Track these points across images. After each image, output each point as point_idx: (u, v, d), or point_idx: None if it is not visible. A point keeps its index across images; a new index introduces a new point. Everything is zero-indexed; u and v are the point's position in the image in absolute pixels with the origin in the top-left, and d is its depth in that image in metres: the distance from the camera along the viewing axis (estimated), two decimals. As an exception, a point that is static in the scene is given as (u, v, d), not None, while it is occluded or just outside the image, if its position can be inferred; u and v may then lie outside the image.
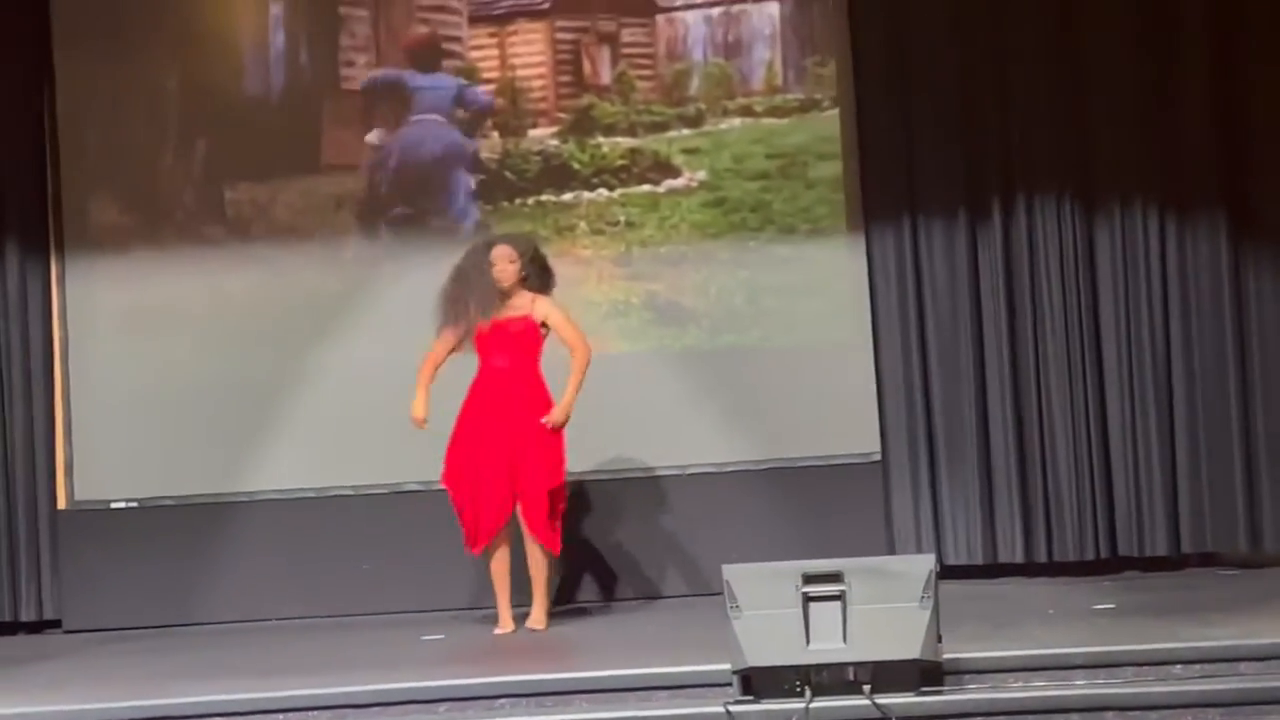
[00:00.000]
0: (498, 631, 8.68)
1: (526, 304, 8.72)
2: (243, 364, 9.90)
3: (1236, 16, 9.46)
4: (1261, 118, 9.38)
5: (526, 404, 8.64)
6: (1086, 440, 9.54)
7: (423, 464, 9.73)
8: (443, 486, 8.71)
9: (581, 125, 9.96)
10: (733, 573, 6.93)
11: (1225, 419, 9.47)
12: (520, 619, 8.71)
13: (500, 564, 8.70)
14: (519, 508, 8.58)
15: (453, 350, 8.78)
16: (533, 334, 8.69)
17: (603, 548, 8.89)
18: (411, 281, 9.80)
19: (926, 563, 6.92)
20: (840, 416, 9.73)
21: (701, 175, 9.74)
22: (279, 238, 9.92)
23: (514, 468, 8.57)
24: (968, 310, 9.64)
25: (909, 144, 9.68)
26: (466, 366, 8.71)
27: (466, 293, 8.73)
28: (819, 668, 6.83)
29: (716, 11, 9.93)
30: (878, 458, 9.71)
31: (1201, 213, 9.52)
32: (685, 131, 9.92)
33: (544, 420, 8.56)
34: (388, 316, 9.91)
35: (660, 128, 9.93)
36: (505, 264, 8.70)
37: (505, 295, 8.70)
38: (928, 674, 6.85)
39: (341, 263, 9.97)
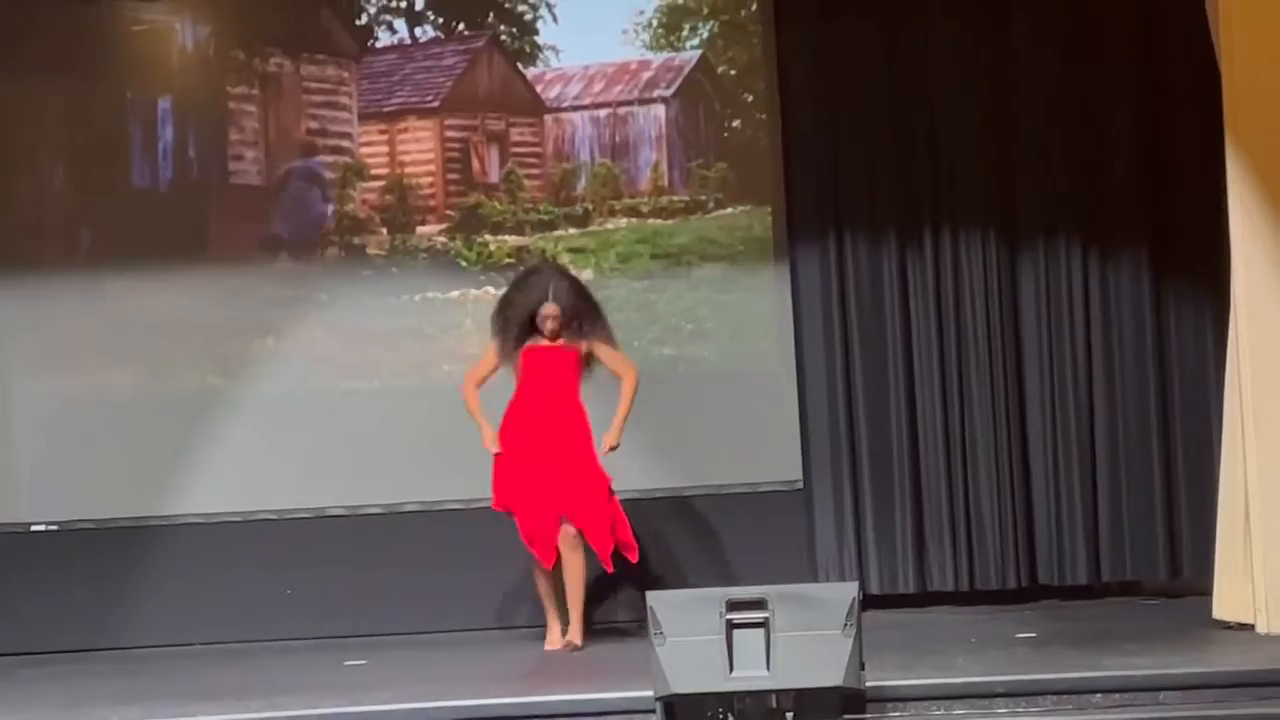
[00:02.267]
0: (547, 647, 8.71)
1: (576, 340, 8.85)
2: (166, 387, 9.85)
3: (1162, 52, 9.54)
4: (1184, 153, 9.45)
5: (566, 428, 8.71)
6: (1009, 470, 9.59)
7: (345, 489, 9.75)
8: (496, 510, 8.74)
9: (469, 223, 9.95)
10: (656, 599, 6.93)
11: (1146, 449, 9.55)
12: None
13: (546, 579, 8.72)
14: (578, 530, 8.63)
15: (496, 368, 8.86)
16: (575, 363, 8.80)
17: (524, 573, 8.85)
18: (336, 310, 9.82)
19: (849, 590, 6.94)
20: (764, 444, 9.76)
21: (588, 274, 9.72)
22: (202, 260, 9.87)
23: (560, 490, 8.61)
24: (893, 339, 9.67)
25: (835, 173, 9.71)
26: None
27: (515, 318, 8.82)
28: (742, 695, 6.83)
29: (603, 113, 9.96)
30: (801, 485, 9.74)
31: (1124, 245, 9.60)
32: (572, 230, 9.93)
33: (603, 449, 8.69)
34: (312, 342, 9.88)
35: (547, 226, 9.94)
36: (553, 323, 8.76)
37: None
38: (850, 702, 6.87)
39: (264, 289, 9.92)
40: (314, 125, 10.00)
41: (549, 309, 8.78)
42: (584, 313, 8.89)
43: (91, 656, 9.44)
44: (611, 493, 8.73)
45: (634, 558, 8.81)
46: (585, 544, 8.65)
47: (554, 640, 8.72)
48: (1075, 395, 9.60)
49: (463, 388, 8.90)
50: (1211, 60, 8.39)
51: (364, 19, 10.01)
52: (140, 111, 9.97)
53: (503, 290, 9.17)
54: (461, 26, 10.05)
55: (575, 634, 8.70)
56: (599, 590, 9.21)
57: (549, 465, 8.67)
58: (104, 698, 7.93)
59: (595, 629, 8.73)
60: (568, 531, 8.62)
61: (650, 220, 9.96)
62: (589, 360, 8.86)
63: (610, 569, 8.75)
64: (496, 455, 8.72)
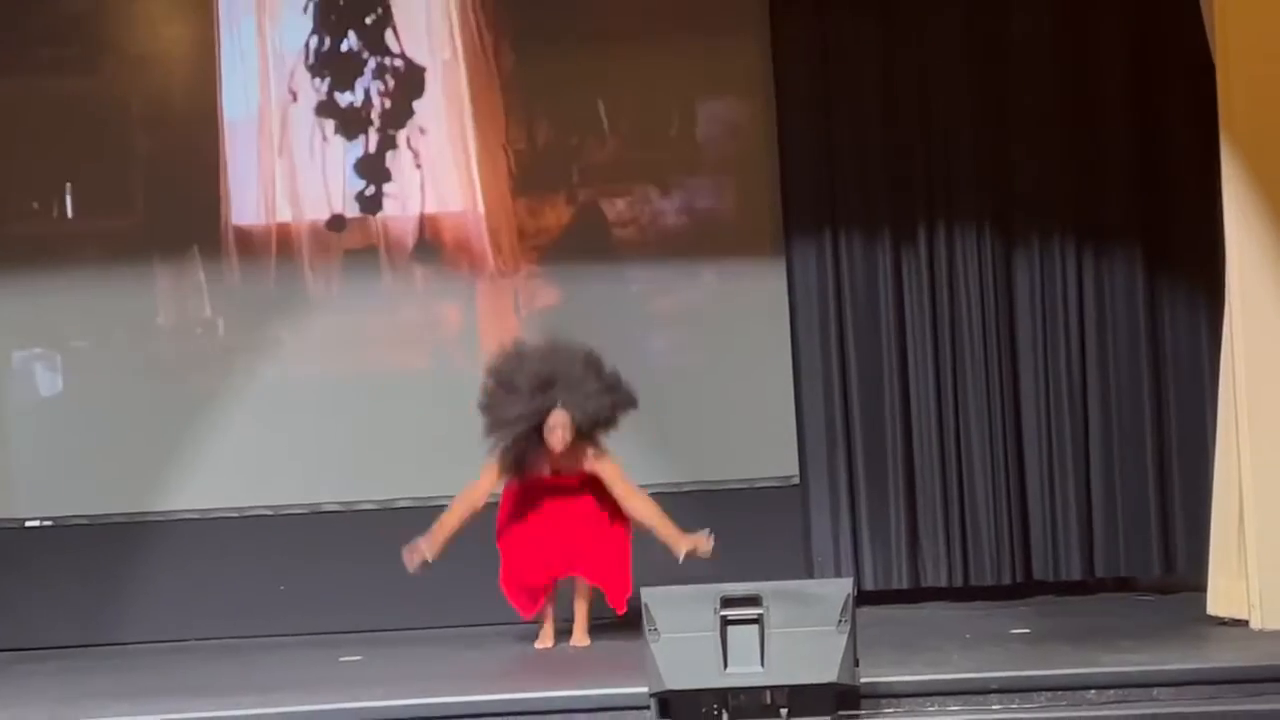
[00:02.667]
0: (538, 646, 8.67)
1: (582, 460, 8.61)
2: (161, 382, 9.84)
3: (1157, 48, 9.54)
4: (1180, 150, 9.46)
5: (582, 508, 8.62)
6: (1004, 466, 9.60)
7: (341, 485, 9.75)
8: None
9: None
10: (651, 595, 6.95)
11: (1140, 445, 9.56)
12: (565, 637, 8.76)
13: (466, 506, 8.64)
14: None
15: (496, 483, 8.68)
16: (589, 488, 8.65)
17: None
18: (339, 303, 9.82)
19: (844, 587, 6.95)
20: (759, 440, 9.76)
21: None
22: (196, 255, 9.85)
23: (569, 547, 8.57)
24: (888, 335, 9.68)
25: (831, 169, 9.72)
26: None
27: (518, 415, 8.53)
28: (736, 691, 6.84)
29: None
30: (797, 481, 9.74)
31: (1119, 241, 9.60)
32: None
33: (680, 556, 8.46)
34: (312, 336, 9.88)
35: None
36: (557, 431, 8.47)
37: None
38: (844, 698, 6.88)
39: (266, 282, 9.91)
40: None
41: (558, 418, 8.50)
42: (598, 418, 8.62)
43: (86, 652, 9.43)
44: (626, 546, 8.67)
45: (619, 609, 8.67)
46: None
47: (546, 639, 8.70)
48: (1070, 391, 9.60)
49: (454, 501, 8.66)
50: (1207, 57, 8.39)
51: None
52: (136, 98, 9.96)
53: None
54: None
55: (580, 635, 8.68)
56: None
57: (558, 524, 8.59)
58: (98, 693, 7.94)
59: (590, 625, 8.72)
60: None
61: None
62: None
63: (621, 610, 8.65)
64: (507, 491, 8.63)
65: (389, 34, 9.88)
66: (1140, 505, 9.55)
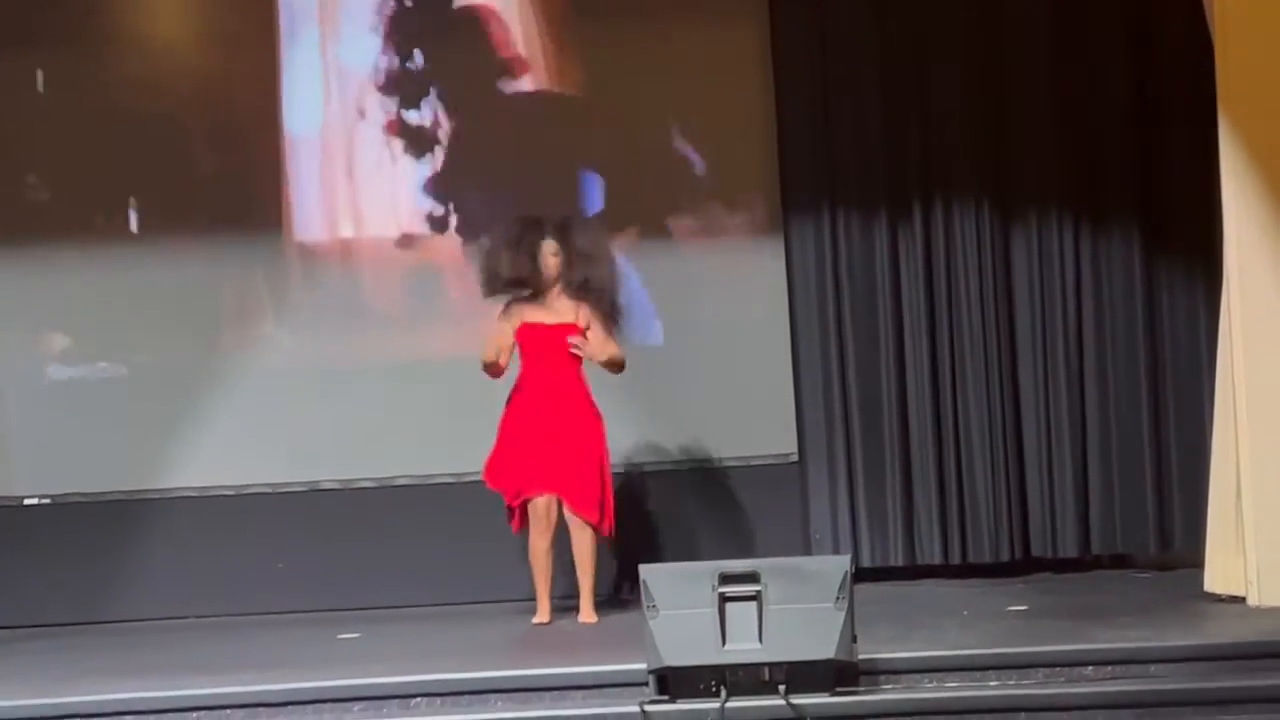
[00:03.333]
0: (535, 621, 8.65)
1: (571, 311, 8.69)
2: (159, 360, 9.85)
3: (1155, 29, 9.54)
4: (1177, 129, 9.46)
5: (569, 410, 8.63)
6: (1001, 443, 9.61)
7: (338, 463, 9.75)
8: (484, 481, 8.71)
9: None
10: (649, 572, 6.95)
11: (1136, 423, 9.56)
12: (560, 612, 8.75)
13: (541, 553, 8.65)
14: (564, 500, 8.60)
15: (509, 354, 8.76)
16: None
17: (520, 547, 8.86)
18: (330, 284, 9.82)
19: (842, 563, 6.95)
20: (758, 417, 9.76)
21: None
22: (197, 232, 9.85)
23: (558, 467, 8.57)
24: (886, 313, 9.68)
25: (829, 146, 9.71)
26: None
27: (507, 265, 8.73)
28: (734, 668, 6.85)
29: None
30: (795, 459, 9.75)
31: (1116, 221, 9.60)
32: None
33: (575, 342, 8.60)
34: (306, 316, 9.88)
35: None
36: (548, 257, 8.67)
37: (547, 289, 8.71)
38: (843, 674, 6.88)
39: (262, 259, 9.91)
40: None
41: (549, 245, 8.70)
42: (599, 266, 8.77)
43: (84, 630, 9.44)
44: (604, 467, 8.67)
45: (606, 531, 8.72)
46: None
47: (543, 615, 8.71)
48: (1067, 369, 9.61)
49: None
50: (1205, 36, 8.38)
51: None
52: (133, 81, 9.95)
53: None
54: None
55: (587, 612, 8.67)
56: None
57: (548, 449, 8.58)
58: (97, 671, 7.94)
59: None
60: (572, 513, 8.61)
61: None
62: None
63: (607, 532, 8.69)
64: (498, 439, 8.64)
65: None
66: (1137, 483, 9.56)
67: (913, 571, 9.64)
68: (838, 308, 9.73)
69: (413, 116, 9.89)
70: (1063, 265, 9.64)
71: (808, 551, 9.55)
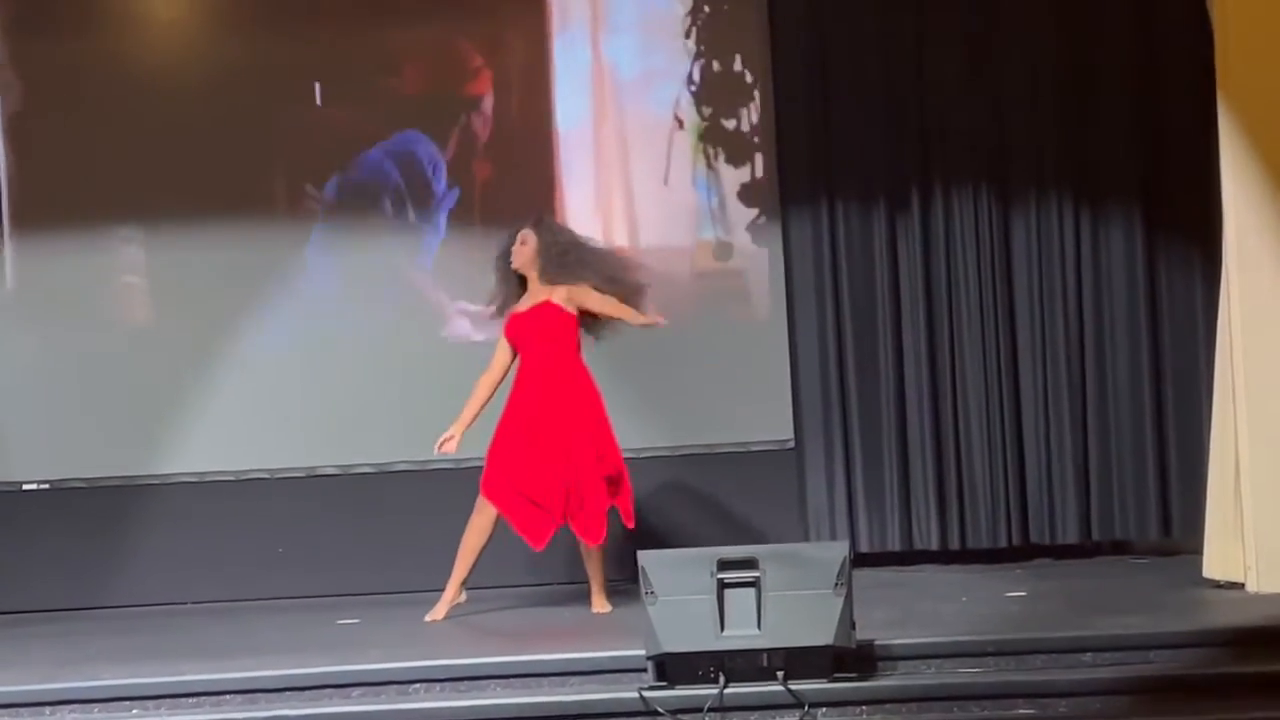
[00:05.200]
0: (429, 618, 8.54)
1: (545, 292, 8.56)
2: (158, 345, 9.84)
3: (1154, 9, 9.52)
4: (1178, 113, 9.45)
5: (567, 395, 8.49)
6: (1000, 429, 9.60)
7: (337, 448, 9.75)
8: (484, 496, 8.55)
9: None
10: (648, 559, 6.95)
11: (1137, 409, 9.56)
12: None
13: (479, 533, 8.54)
14: (571, 527, 8.48)
15: (510, 363, 8.64)
16: (559, 319, 8.51)
17: (512, 532, 8.86)
18: (334, 261, 9.81)
19: (841, 549, 6.96)
20: (756, 403, 9.76)
21: None
22: (195, 218, 9.83)
23: (566, 459, 8.43)
24: (884, 298, 9.68)
25: (827, 131, 9.70)
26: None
27: (502, 282, 8.69)
28: (733, 654, 6.85)
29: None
30: (793, 445, 9.75)
31: (1116, 203, 9.60)
32: None
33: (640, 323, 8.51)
34: (307, 298, 9.87)
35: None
36: (518, 245, 8.60)
37: (522, 280, 8.63)
38: (841, 660, 6.89)
39: (261, 243, 9.89)
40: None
41: (521, 234, 8.62)
42: (569, 248, 8.61)
43: (83, 615, 9.46)
44: (600, 460, 8.51)
45: (629, 524, 8.61)
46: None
47: (439, 611, 8.56)
48: (1067, 354, 9.61)
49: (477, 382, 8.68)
50: (1204, 17, 8.37)
51: None
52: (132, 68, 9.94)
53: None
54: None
55: (600, 602, 8.55)
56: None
57: (552, 439, 8.44)
58: (95, 656, 7.95)
59: (583, 587, 8.72)
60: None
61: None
62: (586, 320, 8.60)
63: (592, 542, 8.55)
64: (495, 439, 8.51)
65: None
66: (1137, 469, 9.56)
67: (911, 557, 9.64)
68: (835, 293, 9.72)
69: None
70: (1062, 250, 9.63)
71: (805, 537, 9.56)
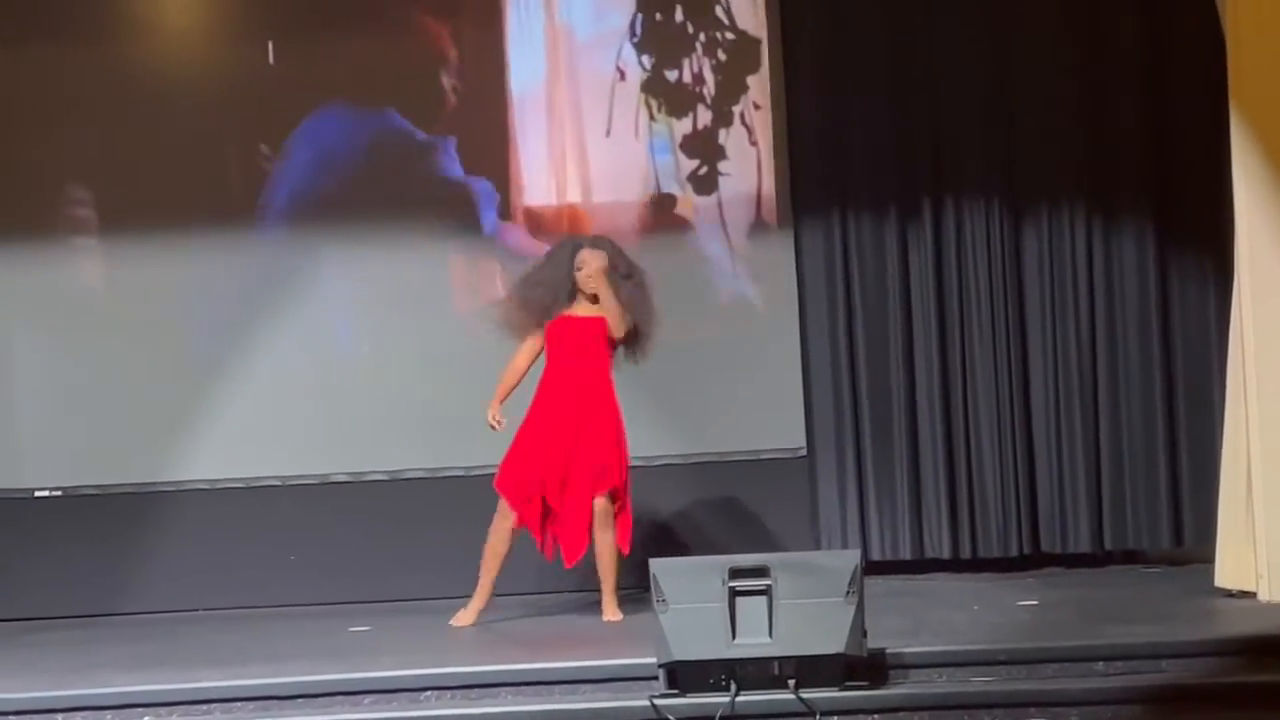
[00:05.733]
0: (455, 623, 8.58)
1: (596, 309, 8.53)
2: (170, 352, 9.85)
3: (1166, 19, 9.52)
4: (1189, 122, 9.45)
5: (592, 408, 8.49)
6: (1011, 437, 9.60)
7: (351, 455, 9.76)
8: (496, 490, 8.55)
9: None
10: (659, 567, 6.95)
11: (1149, 417, 9.55)
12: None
13: (501, 542, 8.56)
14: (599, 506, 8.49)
15: (534, 358, 8.64)
16: (605, 337, 8.51)
17: (530, 540, 8.87)
18: (343, 270, 9.82)
19: (852, 558, 6.95)
20: (767, 411, 9.77)
21: None
22: (205, 226, 9.85)
23: (572, 469, 8.46)
24: (896, 307, 9.68)
25: (839, 141, 9.71)
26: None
27: (545, 293, 8.56)
28: (744, 662, 6.85)
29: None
30: (804, 453, 9.75)
31: (1127, 212, 9.59)
32: None
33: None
34: (317, 307, 9.88)
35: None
36: (596, 265, 8.50)
37: (583, 297, 8.56)
38: (853, 668, 6.88)
39: (271, 250, 9.91)
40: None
41: (591, 254, 8.49)
42: (632, 271, 8.59)
43: (96, 622, 9.46)
44: (601, 479, 8.48)
45: (623, 549, 8.58)
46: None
47: (467, 617, 8.59)
48: (1078, 363, 9.60)
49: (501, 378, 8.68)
50: (1216, 26, 8.37)
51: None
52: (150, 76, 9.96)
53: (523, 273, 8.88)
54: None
55: (611, 610, 8.53)
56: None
57: (568, 449, 8.47)
58: (108, 663, 7.96)
59: (598, 595, 8.72)
60: (596, 508, 8.49)
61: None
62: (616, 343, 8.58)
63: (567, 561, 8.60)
64: (519, 436, 8.52)
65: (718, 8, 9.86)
66: (1148, 478, 9.55)
67: (922, 565, 9.64)
68: (847, 299, 9.72)
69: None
70: (1074, 257, 9.63)
71: (816, 545, 9.55)
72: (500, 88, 9.89)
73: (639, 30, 9.85)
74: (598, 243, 8.68)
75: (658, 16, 9.84)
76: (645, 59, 9.85)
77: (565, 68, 9.93)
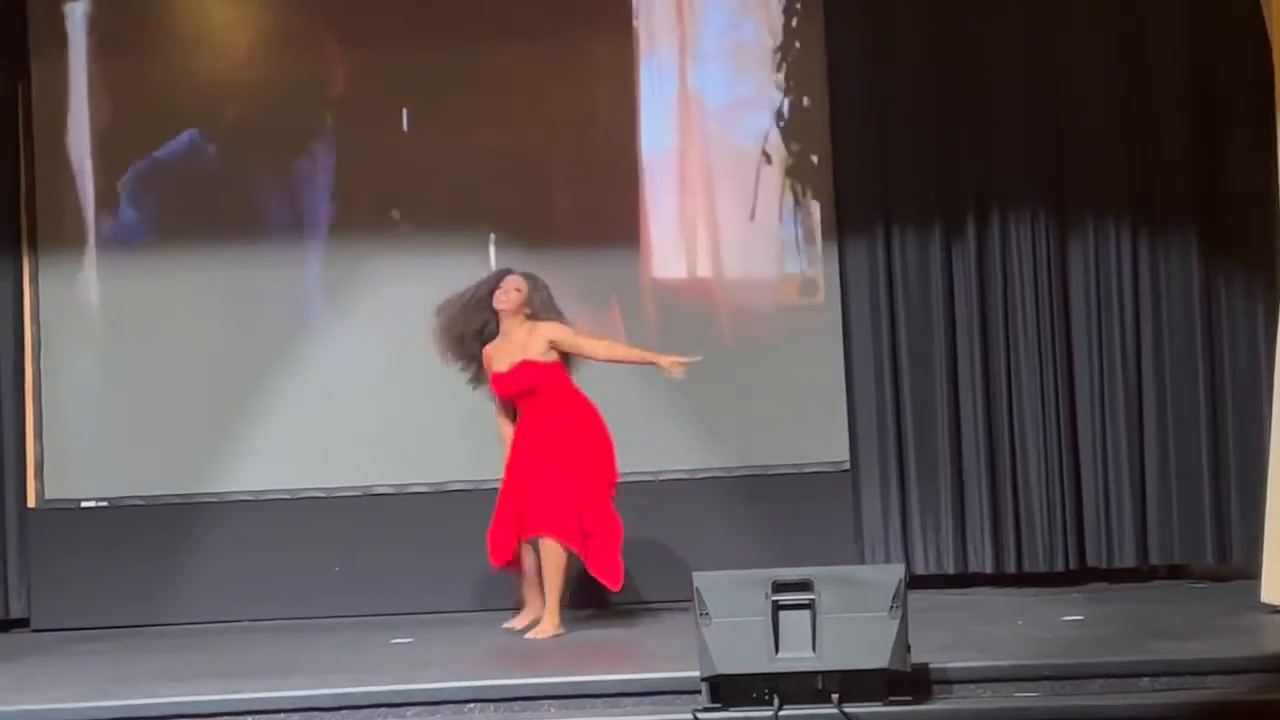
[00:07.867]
0: (531, 636, 8.60)
1: (525, 336, 8.59)
2: (216, 364, 9.89)
3: (1212, 33, 9.50)
4: (1235, 135, 9.42)
5: (569, 436, 8.56)
6: (1057, 452, 9.57)
7: (394, 467, 9.77)
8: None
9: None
10: (703, 580, 6.94)
11: (1195, 432, 9.52)
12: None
13: (530, 563, 8.68)
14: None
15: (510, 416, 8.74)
16: (539, 373, 8.57)
17: (573, 555, 8.86)
18: (388, 281, 9.83)
19: (896, 572, 6.93)
20: (812, 425, 9.76)
21: None
22: (255, 237, 9.89)
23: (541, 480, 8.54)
24: (940, 321, 9.66)
25: (884, 156, 9.71)
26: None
27: (460, 326, 8.69)
28: (787, 676, 6.83)
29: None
30: (848, 466, 9.74)
31: (1174, 227, 9.56)
32: None
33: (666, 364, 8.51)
34: (362, 319, 9.90)
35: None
36: (511, 290, 8.60)
37: (498, 323, 8.63)
38: (896, 683, 6.86)
39: (314, 265, 9.94)
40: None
41: (509, 280, 8.61)
42: (543, 294, 8.63)
43: (139, 632, 9.49)
44: (574, 504, 8.53)
45: (613, 586, 8.64)
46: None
47: (520, 620, 8.70)
48: (1124, 377, 9.57)
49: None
50: (1263, 41, 8.34)
51: None
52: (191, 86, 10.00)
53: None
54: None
55: (549, 623, 8.53)
56: (641, 568, 9.23)
57: (515, 502, 8.58)
58: (151, 673, 7.98)
59: (641, 609, 8.71)
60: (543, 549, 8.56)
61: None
62: (555, 355, 8.60)
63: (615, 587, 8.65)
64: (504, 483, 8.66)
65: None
66: (1195, 492, 9.51)
67: (966, 580, 9.61)
68: (891, 313, 9.71)
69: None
70: (1120, 273, 9.60)
71: (860, 560, 9.54)
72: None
73: (786, 115, 9.88)
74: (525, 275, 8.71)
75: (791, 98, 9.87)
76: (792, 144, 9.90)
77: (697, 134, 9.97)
